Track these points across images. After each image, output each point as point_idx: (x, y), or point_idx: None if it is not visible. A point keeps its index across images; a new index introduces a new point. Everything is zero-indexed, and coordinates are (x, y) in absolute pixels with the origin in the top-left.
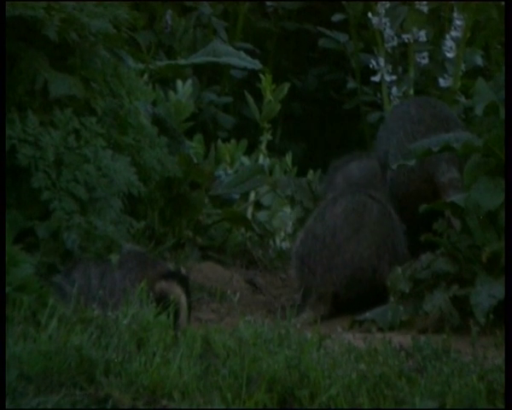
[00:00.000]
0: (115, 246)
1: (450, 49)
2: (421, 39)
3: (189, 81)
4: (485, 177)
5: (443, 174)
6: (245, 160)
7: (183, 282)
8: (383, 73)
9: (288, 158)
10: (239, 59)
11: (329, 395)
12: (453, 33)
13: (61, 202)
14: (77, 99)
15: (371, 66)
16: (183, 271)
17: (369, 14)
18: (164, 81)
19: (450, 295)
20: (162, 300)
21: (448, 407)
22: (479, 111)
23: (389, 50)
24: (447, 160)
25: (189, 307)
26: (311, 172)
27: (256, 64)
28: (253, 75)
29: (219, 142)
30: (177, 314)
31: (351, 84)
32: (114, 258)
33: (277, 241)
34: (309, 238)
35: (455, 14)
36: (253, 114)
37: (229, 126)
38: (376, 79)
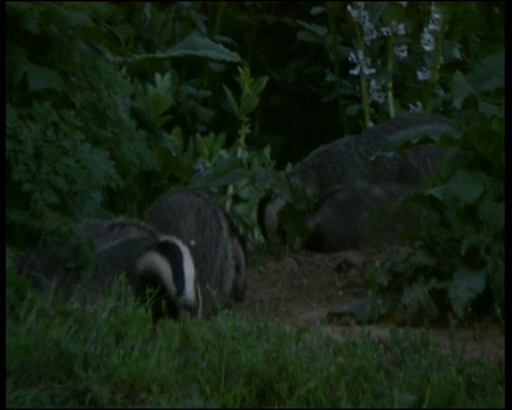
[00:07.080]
0: (88, 262)
1: (428, 43)
2: (399, 33)
3: (168, 75)
4: (464, 170)
5: None
6: (223, 153)
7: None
8: (362, 66)
9: (267, 151)
10: (217, 52)
11: (308, 388)
12: (431, 27)
13: (42, 193)
14: (55, 93)
15: (350, 59)
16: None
17: (349, 8)
18: (142, 75)
19: (429, 288)
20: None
21: (427, 399)
22: (457, 104)
23: (368, 44)
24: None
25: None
26: (289, 165)
27: (234, 57)
28: (232, 69)
29: (198, 135)
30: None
31: (329, 78)
32: (85, 277)
33: (256, 234)
34: None
35: (433, 8)
36: (231, 107)
37: (208, 120)
38: (355, 72)
